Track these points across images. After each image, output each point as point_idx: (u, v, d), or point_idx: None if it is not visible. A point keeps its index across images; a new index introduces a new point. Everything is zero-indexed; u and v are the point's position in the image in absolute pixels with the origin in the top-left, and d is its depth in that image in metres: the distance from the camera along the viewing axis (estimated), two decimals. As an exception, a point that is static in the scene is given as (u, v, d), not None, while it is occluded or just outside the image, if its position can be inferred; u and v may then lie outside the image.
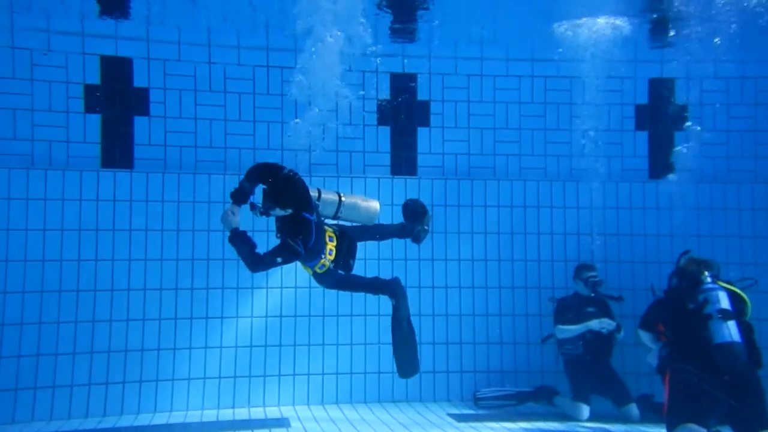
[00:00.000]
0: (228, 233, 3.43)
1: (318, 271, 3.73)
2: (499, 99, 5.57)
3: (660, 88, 5.64)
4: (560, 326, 4.89)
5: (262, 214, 3.49)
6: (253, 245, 3.40)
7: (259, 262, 3.41)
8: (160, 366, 4.84)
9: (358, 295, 4.96)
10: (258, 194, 3.54)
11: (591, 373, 4.86)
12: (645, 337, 4.09)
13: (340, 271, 3.77)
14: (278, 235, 3.59)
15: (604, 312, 4.96)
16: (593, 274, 5.00)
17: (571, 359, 4.93)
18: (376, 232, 4.08)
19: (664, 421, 3.73)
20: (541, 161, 5.61)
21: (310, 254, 3.56)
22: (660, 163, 5.56)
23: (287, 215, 3.50)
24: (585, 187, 5.49)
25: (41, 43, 4.81)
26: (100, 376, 4.74)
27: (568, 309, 4.93)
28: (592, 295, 4.97)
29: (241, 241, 3.39)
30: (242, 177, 3.51)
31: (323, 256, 3.66)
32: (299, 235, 3.41)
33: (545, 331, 5.15)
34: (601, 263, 5.27)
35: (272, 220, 3.65)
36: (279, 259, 3.41)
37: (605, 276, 5.14)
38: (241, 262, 3.39)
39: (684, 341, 3.73)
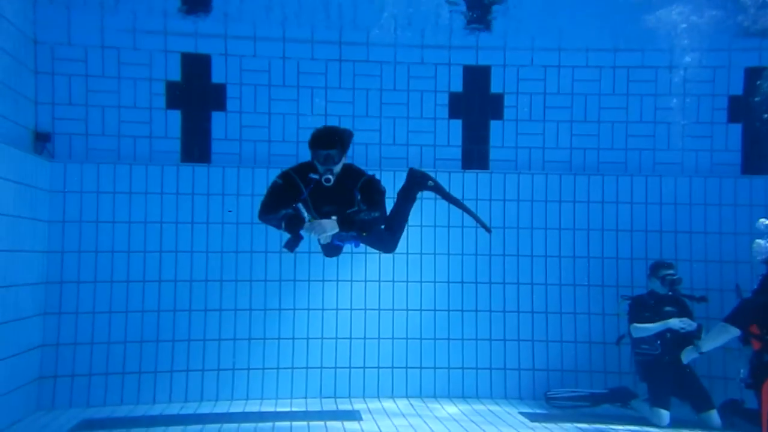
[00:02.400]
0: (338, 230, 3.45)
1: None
2: (578, 91, 5.38)
3: (757, 78, 5.26)
4: (636, 324, 4.66)
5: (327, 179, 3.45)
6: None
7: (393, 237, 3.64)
8: (237, 355, 4.97)
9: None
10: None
11: (669, 375, 4.61)
12: (727, 334, 3.81)
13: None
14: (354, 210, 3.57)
15: (684, 312, 4.71)
16: (671, 272, 4.73)
17: (647, 360, 4.69)
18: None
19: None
20: (622, 155, 5.37)
21: None
22: (755, 158, 5.24)
23: (366, 180, 3.57)
24: (669, 182, 5.24)
25: (128, 42, 4.98)
26: (180, 364, 4.92)
27: (644, 307, 4.69)
28: (670, 293, 4.72)
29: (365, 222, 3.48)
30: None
31: None
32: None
33: (623, 331, 4.93)
34: (685, 262, 5.03)
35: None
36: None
37: (689, 275, 4.90)
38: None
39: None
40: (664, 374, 4.65)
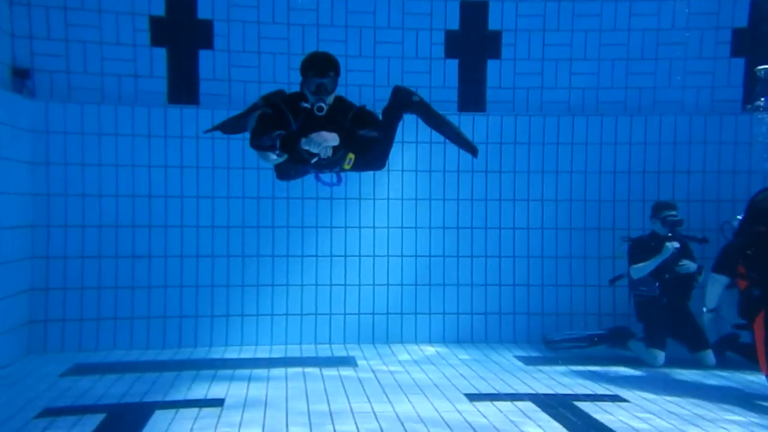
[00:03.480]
0: (336, 143, 3.33)
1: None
2: (578, 27, 5.20)
3: (763, 10, 5.12)
4: (635, 265, 4.63)
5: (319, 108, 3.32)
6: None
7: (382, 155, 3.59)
8: (230, 302, 4.92)
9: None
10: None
11: (666, 316, 4.62)
12: (719, 283, 3.79)
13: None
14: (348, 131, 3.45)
15: (685, 253, 4.67)
16: (673, 213, 4.67)
17: (645, 301, 4.69)
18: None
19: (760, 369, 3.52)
20: (621, 94, 5.26)
21: None
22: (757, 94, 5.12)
23: (358, 109, 3.45)
24: (668, 121, 5.15)
25: (107, -28, 4.76)
26: (174, 309, 4.85)
27: (645, 248, 4.64)
28: (670, 234, 4.67)
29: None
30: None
31: None
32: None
33: (619, 273, 4.89)
34: (683, 203, 4.96)
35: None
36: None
37: (686, 216, 4.83)
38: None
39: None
40: (661, 316, 4.65)
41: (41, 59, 4.74)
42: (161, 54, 4.94)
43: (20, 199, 4.50)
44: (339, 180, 3.79)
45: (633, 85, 5.26)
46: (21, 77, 4.59)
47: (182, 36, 4.93)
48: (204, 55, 4.99)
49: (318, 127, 3.37)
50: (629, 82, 5.25)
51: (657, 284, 4.63)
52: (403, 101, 3.76)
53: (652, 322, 4.66)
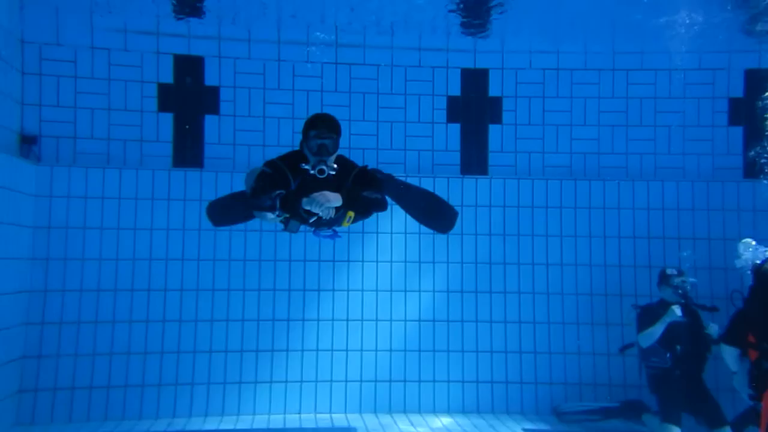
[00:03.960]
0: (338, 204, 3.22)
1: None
2: (577, 94, 5.30)
3: (757, 80, 5.21)
4: (642, 333, 4.49)
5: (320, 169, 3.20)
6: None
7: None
8: (228, 368, 4.77)
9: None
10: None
11: (681, 389, 4.43)
12: (730, 354, 3.70)
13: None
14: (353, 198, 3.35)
15: (696, 322, 4.54)
16: (682, 279, 4.59)
17: (657, 374, 4.51)
18: None
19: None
20: (623, 159, 5.28)
21: None
22: (757, 162, 5.13)
23: (359, 170, 3.34)
24: (671, 187, 5.14)
25: (118, 43, 4.87)
26: (169, 377, 4.71)
27: (652, 317, 4.50)
28: (681, 302, 4.57)
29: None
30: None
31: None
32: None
33: (627, 342, 4.77)
34: (690, 270, 4.82)
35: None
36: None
37: (695, 284, 4.70)
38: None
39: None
40: (675, 388, 4.45)
41: (49, 125, 4.82)
42: (168, 119, 5.02)
43: (20, 264, 4.46)
44: (335, 234, 3.67)
45: (634, 150, 5.30)
46: (29, 143, 4.66)
47: (189, 102, 5.03)
48: (210, 120, 5.07)
49: (318, 187, 3.27)
50: (630, 148, 5.29)
51: (668, 355, 4.47)
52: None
53: (666, 395, 4.46)
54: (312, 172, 3.20)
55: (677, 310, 4.41)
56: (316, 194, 3.20)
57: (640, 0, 4.47)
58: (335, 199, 3.24)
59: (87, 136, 4.86)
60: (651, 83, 5.24)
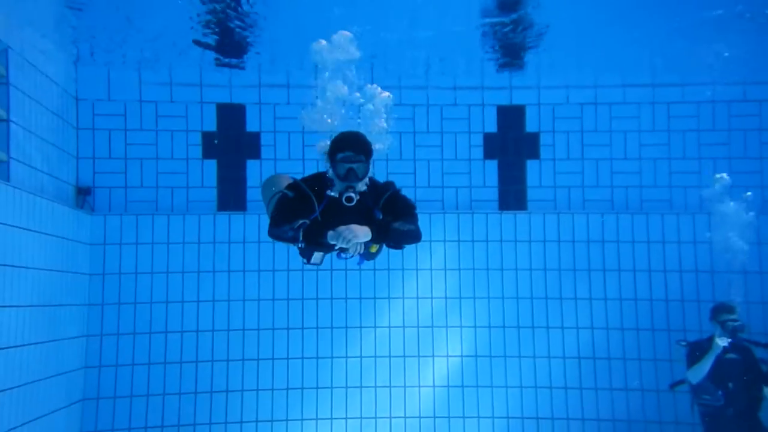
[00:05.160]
0: (369, 239, 2.85)
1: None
2: (616, 128, 5.24)
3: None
4: (691, 368, 4.36)
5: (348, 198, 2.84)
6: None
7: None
8: (262, 403, 4.88)
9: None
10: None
11: (734, 428, 4.29)
12: None
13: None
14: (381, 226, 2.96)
15: (748, 359, 4.38)
16: (733, 317, 4.42)
17: (709, 412, 4.38)
18: None
19: None
20: (666, 192, 5.20)
21: None
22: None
23: (390, 195, 2.96)
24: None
25: (165, 95, 5.09)
26: (219, 416, 4.83)
27: (701, 352, 4.36)
28: (729, 339, 4.42)
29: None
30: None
31: None
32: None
33: (676, 378, 4.65)
34: (743, 304, 4.72)
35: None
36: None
37: (745, 318, 4.58)
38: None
39: None
40: (728, 427, 4.33)
41: (102, 177, 5.05)
42: (212, 165, 5.19)
43: (78, 311, 4.68)
44: (362, 259, 3.24)
45: (677, 183, 5.21)
46: (83, 194, 4.89)
47: (232, 148, 5.19)
48: (251, 165, 5.22)
49: (342, 215, 2.89)
50: (673, 181, 5.21)
51: (720, 393, 4.33)
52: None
53: (719, 435, 4.37)
54: (341, 200, 2.84)
55: (720, 342, 4.28)
56: (342, 228, 2.83)
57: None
58: (364, 235, 2.84)
59: (137, 185, 5.08)
60: (694, 116, 5.16)
